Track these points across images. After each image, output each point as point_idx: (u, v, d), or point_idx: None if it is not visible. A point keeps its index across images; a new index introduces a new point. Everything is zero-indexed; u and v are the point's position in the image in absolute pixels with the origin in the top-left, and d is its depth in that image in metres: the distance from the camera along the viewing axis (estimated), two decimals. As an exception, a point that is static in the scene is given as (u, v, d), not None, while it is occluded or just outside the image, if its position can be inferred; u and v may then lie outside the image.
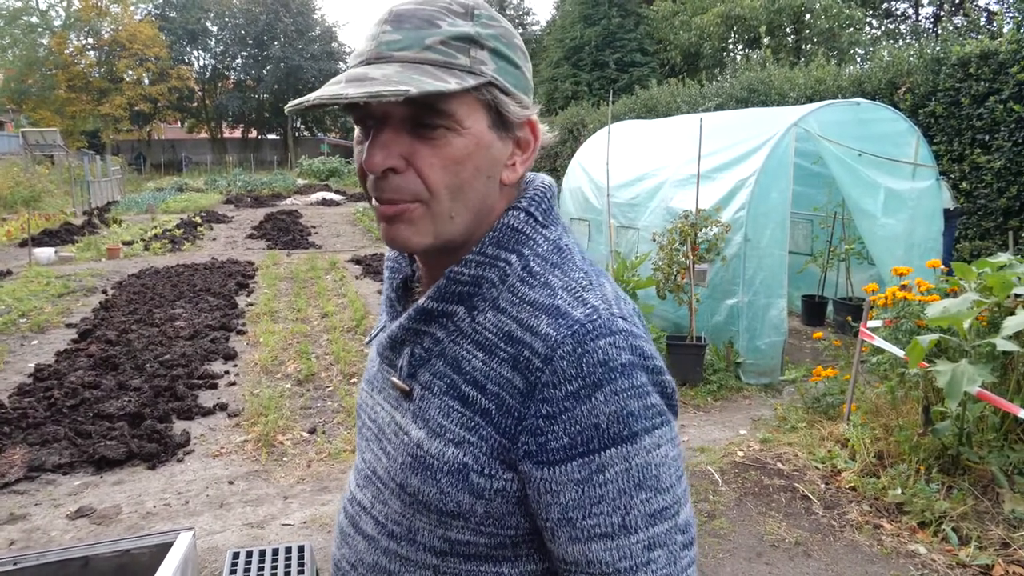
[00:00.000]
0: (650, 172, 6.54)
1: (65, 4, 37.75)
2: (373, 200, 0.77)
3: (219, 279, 9.21)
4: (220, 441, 4.32)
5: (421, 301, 0.80)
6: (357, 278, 9.60)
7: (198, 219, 16.05)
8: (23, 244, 11.84)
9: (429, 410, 0.79)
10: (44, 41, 36.44)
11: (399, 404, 0.84)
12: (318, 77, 39.93)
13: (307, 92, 0.99)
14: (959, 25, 10.94)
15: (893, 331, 3.93)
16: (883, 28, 23.40)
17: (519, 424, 0.72)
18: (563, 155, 13.14)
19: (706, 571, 2.97)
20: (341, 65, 35.64)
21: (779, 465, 3.95)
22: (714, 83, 12.74)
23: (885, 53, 9.30)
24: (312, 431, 4.46)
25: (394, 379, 0.84)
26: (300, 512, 3.49)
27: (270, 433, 4.33)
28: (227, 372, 5.55)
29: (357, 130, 0.78)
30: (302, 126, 46.75)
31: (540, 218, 0.81)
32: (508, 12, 36.84)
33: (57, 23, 37.43)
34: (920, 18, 23.74)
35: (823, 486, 3.69)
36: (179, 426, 4.48)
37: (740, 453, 4.11)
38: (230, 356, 5.93)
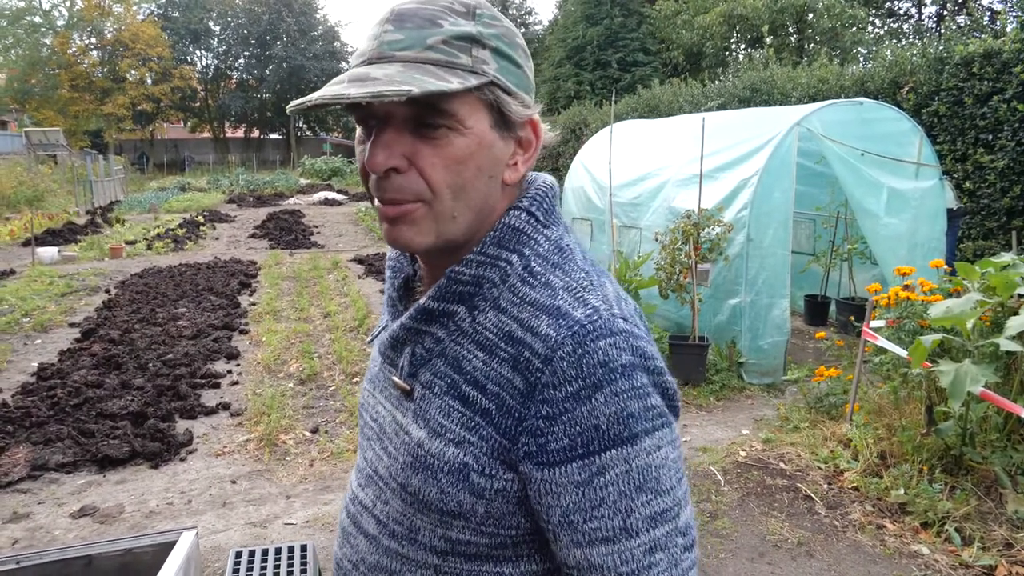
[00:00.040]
0: (652, 172, 6.53)
1: (68, 4, 37.89)
2: (375, 200, 0.77)
3: (222, 278, 9.22)
4: (223, 440, 4.33)
5: (422, 300, 0.80)
6: (359, 277, 9.61)
7: (201, 219, 16.07)
8: (26, 243, 11.86)
9: (430, 410, 0.79)
10: (47, 41, 36.56)
11: (400, 403, 0.84)
12: (320, 77, 39.94)
13: (309, 92, 0.99)
14: (962, 24, 10.93)
15: (896, 331, 3.92)
16: (886, 27, 23.33)
17: (519, 425, 0.72)
18: (565, 155, 13.12)
19: (708, 571, 2.96)
20: (343, 65, 35.63)
21: (782, 465, 3.94)
22: (716, 83, 12.73)
23: (888, 52, 9.29)
24: (315, 430, 4.47)
25: (395, 378, 0.84)
26: (303, 511, 3.49)
27: (273, 432, 4.34)
28: (230, 371, 5.56)
29: (359, 130, 0.78)
30: (304, 126, 46.80)
31: (541, 218, 0.81)
32: (510, 12, 36.86)
33: (60, 23, 37.55)
34: (923, 17, 23.66)
35: (826, 486, 3.68)
36: (182, 425, 4.49)
37: (743, 453, 4.11)
38: (233, 355, 5.94)
